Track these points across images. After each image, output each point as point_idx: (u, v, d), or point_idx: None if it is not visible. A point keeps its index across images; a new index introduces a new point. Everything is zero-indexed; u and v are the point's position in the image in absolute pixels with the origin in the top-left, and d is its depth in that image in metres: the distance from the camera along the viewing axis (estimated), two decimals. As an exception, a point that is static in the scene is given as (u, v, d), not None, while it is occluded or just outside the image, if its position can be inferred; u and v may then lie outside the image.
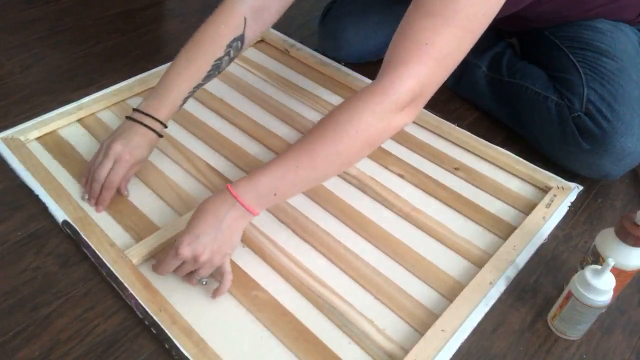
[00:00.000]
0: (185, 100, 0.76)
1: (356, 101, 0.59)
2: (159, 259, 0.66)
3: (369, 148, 0.62)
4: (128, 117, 0.74)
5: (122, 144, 0.72)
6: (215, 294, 0.63)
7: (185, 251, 0.60)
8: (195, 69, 0.74)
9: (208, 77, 0.76)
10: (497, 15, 0.87)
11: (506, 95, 0.91)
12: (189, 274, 0.63)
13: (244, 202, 0.60)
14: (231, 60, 0.78)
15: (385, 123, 0.59)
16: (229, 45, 0.75)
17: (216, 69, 0.76)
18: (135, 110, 0.74)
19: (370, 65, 1.02)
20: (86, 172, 0.75)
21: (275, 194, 0.61)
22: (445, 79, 0.61)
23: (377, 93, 0.59)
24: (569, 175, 0.82)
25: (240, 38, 0.76)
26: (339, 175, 0.80)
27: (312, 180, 0.62)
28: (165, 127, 0.75)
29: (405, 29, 0.60)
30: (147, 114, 0.73)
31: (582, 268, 0.60)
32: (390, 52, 0.61)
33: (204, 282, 0.63)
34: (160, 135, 0.75)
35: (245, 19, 0.75)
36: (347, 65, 1.02)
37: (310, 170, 0.60)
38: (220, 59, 0.75)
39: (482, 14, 0.59)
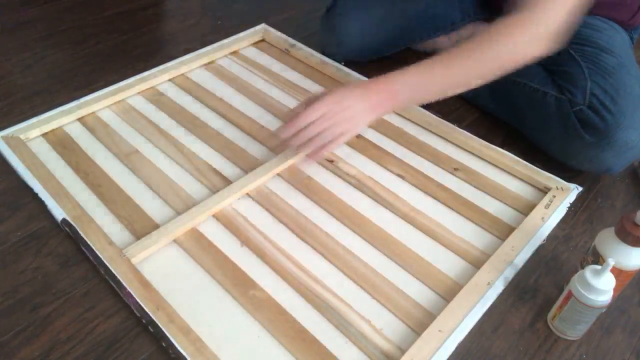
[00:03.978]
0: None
1: (514, 27, 0.66)
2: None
3: (506, 70, 0.70)
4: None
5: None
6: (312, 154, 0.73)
7: (328, 102, 0.68)
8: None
9: None
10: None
11: (505, 94, 0.91)
12: (309, 141, 0.70)
13: (393, 88, 0.68)
14: None
15: (531, 50, 0.67)
16: None
17: None
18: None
19: (371, 64, 1.02)
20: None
21: (425, 91, 0.71)
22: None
23: (532, 21, 0.65)
24: (569, 174, 0.82)
25: None
26: (338, 175, 0.80)
27: (454, 87, 0.73)
28: None
29: None
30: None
31: (582, 268, 0.60)
32: None
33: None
34: None
35: None
36: (347, 65, 1.02)
37: (460, 76, 0.71)
38: None
39: None
